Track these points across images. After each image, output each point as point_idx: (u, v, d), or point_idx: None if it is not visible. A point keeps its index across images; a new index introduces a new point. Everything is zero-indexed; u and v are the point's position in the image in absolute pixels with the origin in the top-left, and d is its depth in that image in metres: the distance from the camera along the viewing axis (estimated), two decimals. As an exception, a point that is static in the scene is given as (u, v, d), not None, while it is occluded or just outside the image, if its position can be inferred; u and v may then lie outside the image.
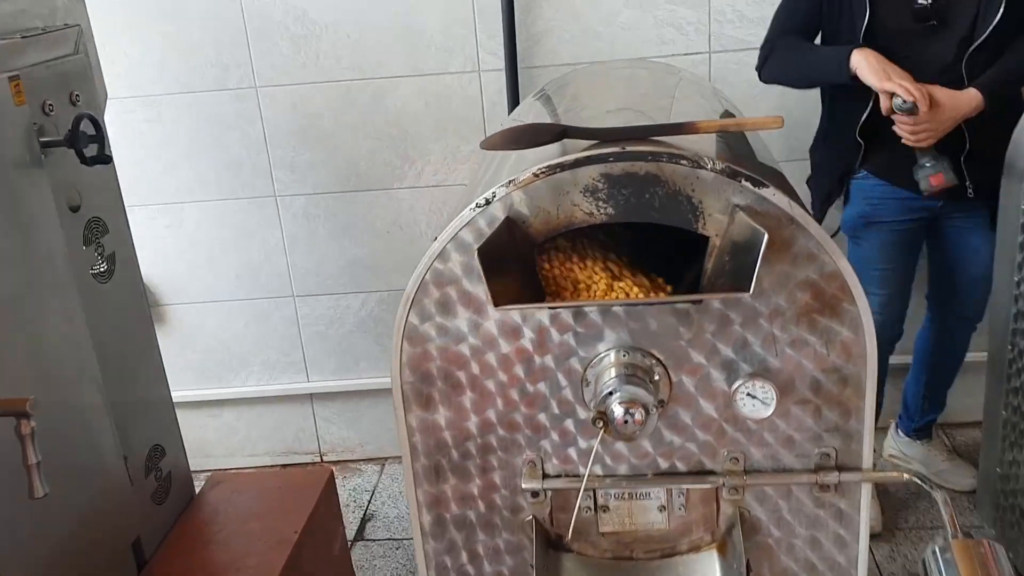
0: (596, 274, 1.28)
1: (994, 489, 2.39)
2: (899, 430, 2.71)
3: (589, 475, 1.36)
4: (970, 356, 2.59)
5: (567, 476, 1.38)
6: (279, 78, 2.71)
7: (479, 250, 1.11)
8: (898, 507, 2.56)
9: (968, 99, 2.04)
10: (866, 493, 1.34)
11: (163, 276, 2.94)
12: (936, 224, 2.32)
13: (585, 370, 1.31)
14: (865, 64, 2.06)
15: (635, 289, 1.27)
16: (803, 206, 1.26)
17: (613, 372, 1.28)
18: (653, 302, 1.23)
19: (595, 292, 1.28)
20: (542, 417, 1.35)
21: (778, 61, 2.25)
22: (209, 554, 2.08)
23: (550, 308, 1.24)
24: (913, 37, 2.12)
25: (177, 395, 3.15)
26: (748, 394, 1.27)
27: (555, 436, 1.36)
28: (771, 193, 1.21)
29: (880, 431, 2.78)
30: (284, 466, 3.14)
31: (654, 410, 1.24)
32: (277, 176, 2.80)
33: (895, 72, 2.04)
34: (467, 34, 2.65)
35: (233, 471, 3.13)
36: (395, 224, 2.83)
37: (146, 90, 2.74)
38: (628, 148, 1.22)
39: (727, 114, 1.74)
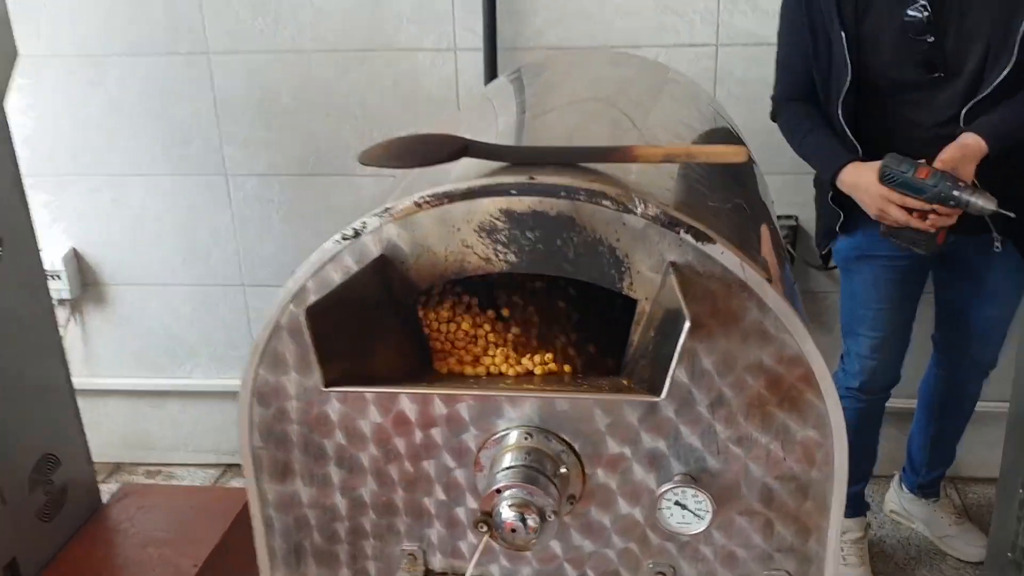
0: (492, 338, 1.00)
1: (1004, 563, 2.09)
2: (903, 484, 2.41)
3: (481, 576, 1.09)
4: (986, 405, 2.28)
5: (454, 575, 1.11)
6: (234, 45, 2.43)
7: (308, 312, 0.84)
8: (893, 574, 2.27)
9: (976, 150, 1.77)
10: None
11: (105, 254, 2.69)
12: (945, 257, 2.00)
13: (479, 451, 1.03)
14: (856, 190, 1.86)
15: (541, 362, 0.99)
16: (769, 266, 0.97)
17: (509, 459, 1.00)
18: (525, 395, 0.94)
19: (491, 360, 1.00)
20: (427, 502, 1.08)
21: (785, 127, 2.02)
22: (96, 585, 1.84)
23: (390, 393, 0.97)
24: (911, 89, 1.86)
25: (117, 383, 2.93)
26: (677, 503, 0.99)
27: (442, 525, 1.09)
28: (717, 251, 0.92)
29: (879, 480, 2.49)
30: (229, 466, 2.90)
31: (552, 517, 0.96)
32: (228, 153, 2.53)
33: (888, 198, 1.79)
34: (444, 7, 2.36)
35: (169, 467, 2.90)
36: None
37: (90, 49, 2.48)
38: (537, 179, 0.93)
39: (712, 133, 1.44)
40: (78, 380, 2.83)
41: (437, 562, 1.11)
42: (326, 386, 0.84)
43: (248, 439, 1.08)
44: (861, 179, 1.83)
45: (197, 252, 2.65)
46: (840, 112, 1.88)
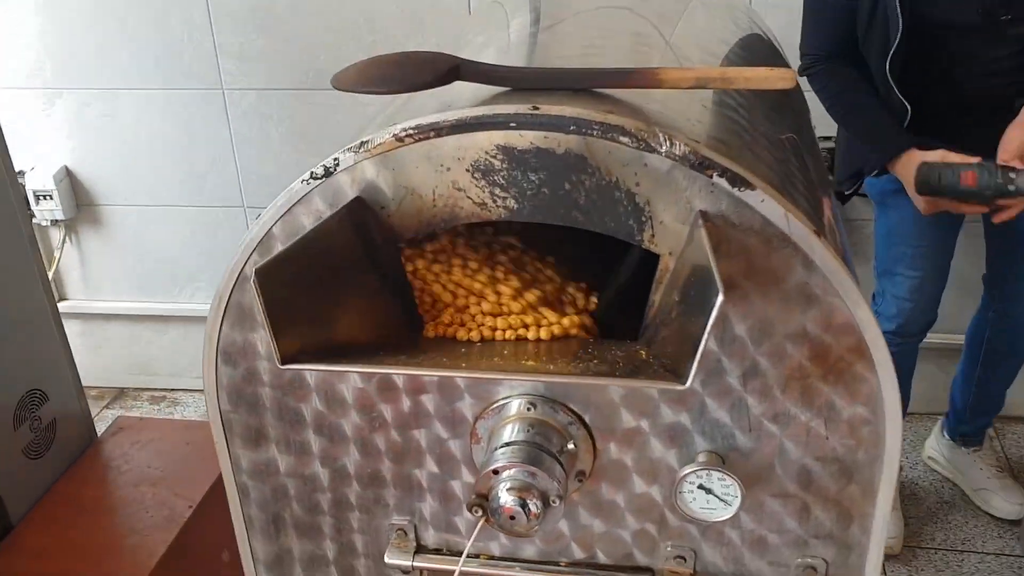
0: (488, 296, 0.86)
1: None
2: (944, 431, 2.26)
3: (482, 556, 0.98)
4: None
5: (449, 553, 0.99)
6: (227, -55, 2.25)
7: (258, 273, 0.69)
8: (924, 519, 2.15)
9: None
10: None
11: (99, 173, 2.55)
12: None
13: (476, 420, 0.91)
14: (908, 185, 1.69)
15: (547, 323, 0.85)
16: (818, 217, 0.82)
17: (509, 433, 0.87)
18: (521, 378, 0.79)
19: (487, 322, 0.86)
20: (418, 474, 0.96)
21: (824, 92, 1.80)
22: (84, 526, 1.75)
23: (360, 372, 0.83)
24: (967, 35, 1.65)
25: (118, 306, 2.82)
26: (701, 486, 0.86)
27: (434, 500, 0.97)
28: (757, 198, 0.76)
29: (911, 418, 2.36)
30: (234, 393, 2.81)
31: (557, 502, 0.84)
32: (224, 66, 2.36)
33: (938, 205, 1.64)
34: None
35: (174, 392, 2.82)
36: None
37: (73, -50, 2.30)
38: (542, 108, 0.78)
39: (751, 51, 1.26)
40: (77, 303, 2.75)
41: (430, 538, 1.00)
42: (283, 362, 0.70)
43: (216, 402, 0.96)
44: (912, 166, 1.66)
45: (195, 171, 2.50)
46: (888, 69, 1.69)
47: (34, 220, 2.57)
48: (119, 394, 2.84)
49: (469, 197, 0.81)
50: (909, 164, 1.67)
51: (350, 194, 0.84)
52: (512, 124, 0.78)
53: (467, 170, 0.80)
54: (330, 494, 0.99)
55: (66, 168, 2.53)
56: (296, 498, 1.00)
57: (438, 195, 0.82)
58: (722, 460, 0.87)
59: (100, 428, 2.31)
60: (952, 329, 2.17)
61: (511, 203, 0.81)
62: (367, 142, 0.82)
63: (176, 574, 1.68)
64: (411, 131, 0.80)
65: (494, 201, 0.81)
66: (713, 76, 0.82)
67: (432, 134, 0.80)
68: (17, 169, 2.57)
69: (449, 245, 0.90)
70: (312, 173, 0.83)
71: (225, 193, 2.52)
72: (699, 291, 0.71)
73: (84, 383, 2.90)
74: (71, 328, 2.88)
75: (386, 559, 0.99)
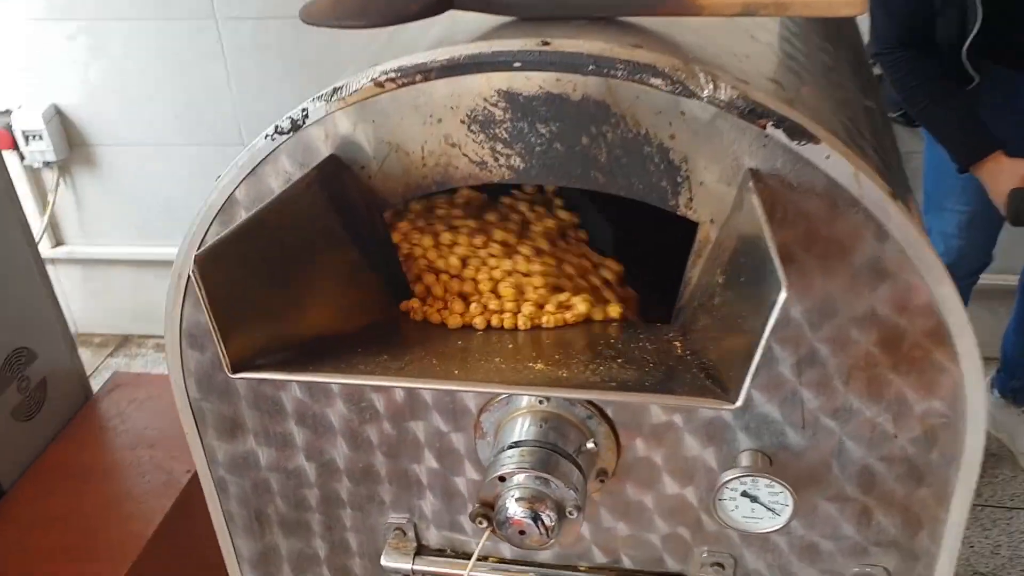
0: (492, 273, 0.72)
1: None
2: (994, 387, 2.11)
3: (491, 558, 0.86)
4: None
5: (454, 555, 0.88)
6: None
7: (198, 262, 0.56)
8: (968, 473, 2.01)
9: None
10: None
11: (90, 111, 2.41)
12: None
13: (480, 413, 0.78)
14: (994, 193, 1.59)
15: (560, 306, 0.71)
16: (892, 177, 0.67)
17: (518, 430, 0.74)
18: (525, 392, 0.64)
19: (491, 303, 0.72)
20: (416, 469, 0.84)
21: (900, 83, 1.66)
22: (78, 493, 1.66)
23: (328, 382, 0.70)
24: None
25: (117, 251, 2.70)
26: (745, 493, 0.73)
27: (435, 497, 0.85)
28: (821, 153, 0.61)
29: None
30: (242, 340, 2.70)
31: (575, 513, 0.71)
32: (216, -8, 2.19)
33: None
34: None
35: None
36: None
37: None
38: (553, 44, 0.63)
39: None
40: (75, 249, 2.64)
41: (432, 537, 0.88)
42: (233, 370, 0.57)
43: (183, 390, 0.84)
44: (1000, 181, 1.56)
45: (190, 108, 2.35)
46: (966, 56, 1.58)
47: (24, 162, 2.44)
48: (123, 341, 2.74)
49: (465, 155, 0.67)
50: (996, 170, 1.58)
51: (324, 151, 0.70)
52: (517, 64, 0.63)
53: (463, 122, 0.66)
54: (318, 490, 0.87)
55: (55, 107, 2.39)
56: (280, 494, 0.89)
57: (428, 152, 0.68)
58: (769, 460, 0.74)
59: (104, 376, 2.22)
60: (1006, 269, 2.01)
61: (516, 162, 0.66)
62: (341, 88, 0.67)
63: (174, 543, 1.58)
64: (393, 74, 0.65)
65: (495, 159, 0.67)
66: (764, 0, 0.67)
67: (419, 78, 0.65)
68: (3, 108, 2.44)
69: (446, 206, 0.76)
70: (277, 127, 0.69)
71: (223, 132, 2.37)
72: (749, 273, 0.57)
73: (86, 331, 2.80)
74: (71, 274, 2.78)
75: (383, 562, 0.87)
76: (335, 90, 0.67)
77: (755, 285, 0.55)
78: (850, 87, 0.83)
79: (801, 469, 0.74)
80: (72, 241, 2.62)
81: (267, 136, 0.70)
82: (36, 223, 2.54)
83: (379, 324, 0.71)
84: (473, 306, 0.69)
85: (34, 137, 2.37)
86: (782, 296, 0.48)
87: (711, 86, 0.61)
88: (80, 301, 2.72)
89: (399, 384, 0.58)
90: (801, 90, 0.69)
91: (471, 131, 0.66)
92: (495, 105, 0.65)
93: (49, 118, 2.37)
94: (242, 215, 0.72)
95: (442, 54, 0.64)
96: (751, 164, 0.63)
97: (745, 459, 0.74)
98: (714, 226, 0.66)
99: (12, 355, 1.68)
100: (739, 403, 0.51)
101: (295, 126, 0.69)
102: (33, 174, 2.49)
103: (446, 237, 0.73)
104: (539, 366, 0.60)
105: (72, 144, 2.45)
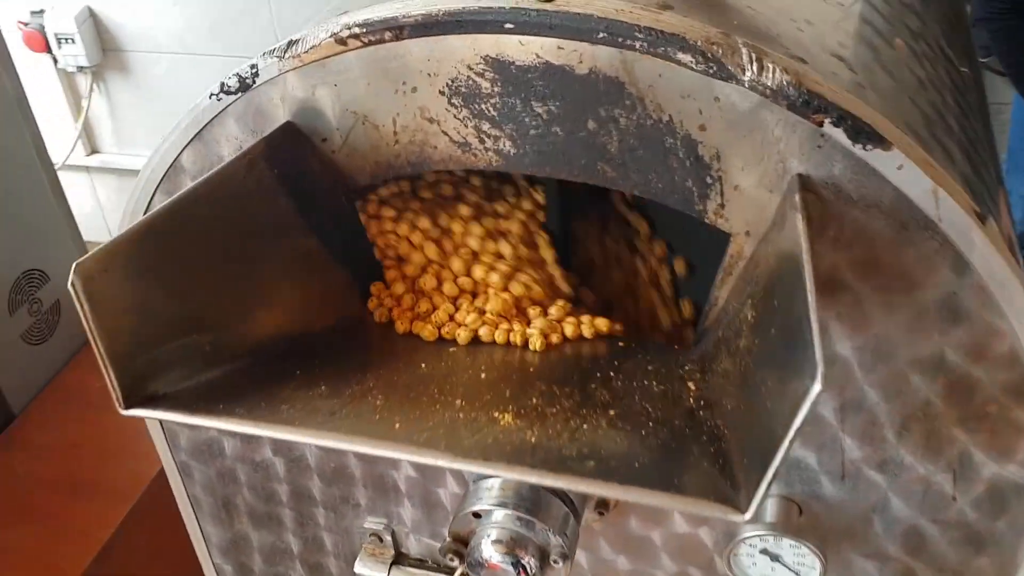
0: (477, 273, 0.60)
1: None
2: None
3: None
4: None
5: (435, 567, 0.78)
6: None
7: (78, 272, 0.45)
8: None
9: None
10: None
11: (124, 15, 2.30)
12: None
13: (464, 421, 0.67)
14: None
15: (556, 318, 0.59)
16: (984, 191, 0.53)
17: (503, 451, 0.63)
18: (502, 474, 0.52)
19: (478, 307, 0.61)
20: (393, 475, 0.74)
21: (1007, 52, 1.52)
22: (89, 421, 1.61)
23: (240, 432, 0.60)
24: None
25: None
26: (765, 551, 0.61)
27: (413, 505, 0.75)
28: (892, 161, 0.47)
29: None
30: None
31: (561, 562, 0.60)
32: None
33: None
34: None
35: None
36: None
37: None
38: (555, 2, 0.49)
39: None
40: (110, 158, 2.56)
41: (412, 545, 0.78)
42: (125, 407, 0.46)
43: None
44: None
45: (226, 16, 2.23)
46: None
47: (59, 65, 2.35)
48: (158, 255, 2.68)
49: (445, 132, 0.54)
50: None
51: (280, 117, 0.57)
52: (508, 25, 0.50)
53: (442, 92, 0.53)
54: (287, 485, 0.78)
55: (89, 8, 2.28)
56: (248, 485, 0.79)
57: (401, 127, 0.55)
58: (799, 509, 0.62)
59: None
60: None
61: (506, 145, 0.54)
62: (297, 43, 0.55)
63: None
64: (358, 30, 0.52)
65: (481, 141, 0.54)
66: (836, -49, 0.52)
67: (388, 36, 0.52)
68: (36, 8, 2.34)
69: (426, 185, 0.63)
70: (223, 85, 0.57)
71: (261, 41, 2.24)
72: (782, 328, 0.44)
73: (121, 241, 2.75)
74: (106, 183, 2.71)
75: (356, 569, 0.78)
76: (290, 43, 0.55)
77: (787, 349, 0.42)
78: (940, 55, 0.67)
79: (836, 519, 0.62)
80: (107, 149, 2.55)
81: (212, 95, 0.58)
82: (70, 130, 2.47)
83: (344, 327, 0.59)
84: (439, 313, 0.57)
85: (67, 40, 2.28)
86: (815, 390, 0.36)
87: (755, 67, 0.47)
88: (116, 211, 2.66)
89: (314, 441, 0.47)
90: (875, 70, 0.54)
91: (452, 104, 0.53)
92: (481, 75, 0.52)
93: (82, 21, 2.27)
94: (187, 183, 0.61)
95: (417, 8, 0.51)
96: (800, 169, 0.49)
97: (771, 506, 0.62)
98: (750, 239, 0.53)
99: (22, 277, 1.61)
100: (748, 516, 0.39)
101: (244, 85, 0.56)
102: (68, 78, 2.40)
103: (430, 250, 0.61)
104: (505, 419, 0.48)
105: (105, 48, 2.35)
